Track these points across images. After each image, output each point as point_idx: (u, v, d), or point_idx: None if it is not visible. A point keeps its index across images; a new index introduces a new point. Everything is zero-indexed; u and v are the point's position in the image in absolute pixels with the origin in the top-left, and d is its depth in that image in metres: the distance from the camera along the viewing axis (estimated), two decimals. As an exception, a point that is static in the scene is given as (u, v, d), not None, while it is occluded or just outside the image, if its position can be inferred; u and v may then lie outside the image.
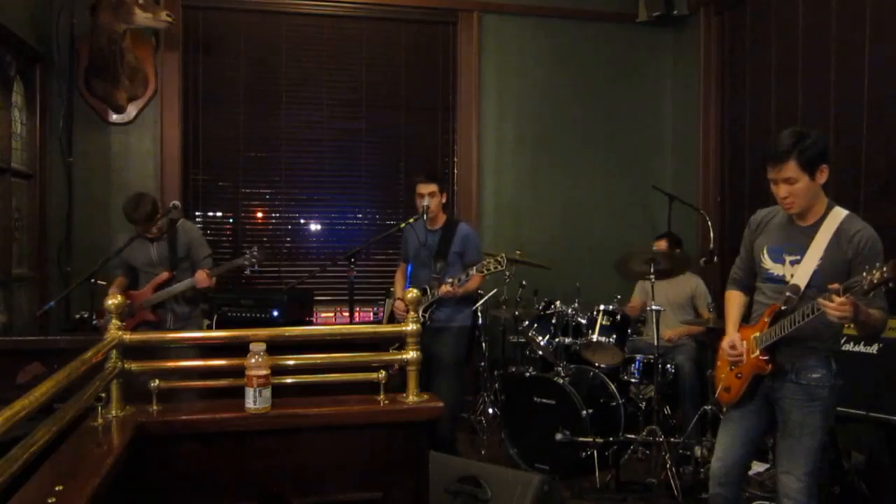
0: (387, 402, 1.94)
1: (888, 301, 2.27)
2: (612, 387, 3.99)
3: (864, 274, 2.04)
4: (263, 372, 1.81)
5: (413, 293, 2.02)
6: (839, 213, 2.34)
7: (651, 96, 5.62)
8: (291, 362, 1.93)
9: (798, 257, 2.36)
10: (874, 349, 3.02)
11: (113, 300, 1.82)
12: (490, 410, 4.62)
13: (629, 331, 4.26)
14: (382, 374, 1.94)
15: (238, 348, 1.86)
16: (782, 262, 2.41)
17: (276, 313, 3.82)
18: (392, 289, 4.31)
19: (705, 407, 3.74)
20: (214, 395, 1.96)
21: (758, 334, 2.41)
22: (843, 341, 2.99)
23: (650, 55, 5.60)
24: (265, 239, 5.19)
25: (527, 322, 4.35)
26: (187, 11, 4.95)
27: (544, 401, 3.89)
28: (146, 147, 4.89)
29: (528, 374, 4.16)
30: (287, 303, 3.86)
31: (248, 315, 3.87)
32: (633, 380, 4.05)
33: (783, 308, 2.34)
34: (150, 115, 4.88)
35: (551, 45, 5.45)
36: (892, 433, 3.03)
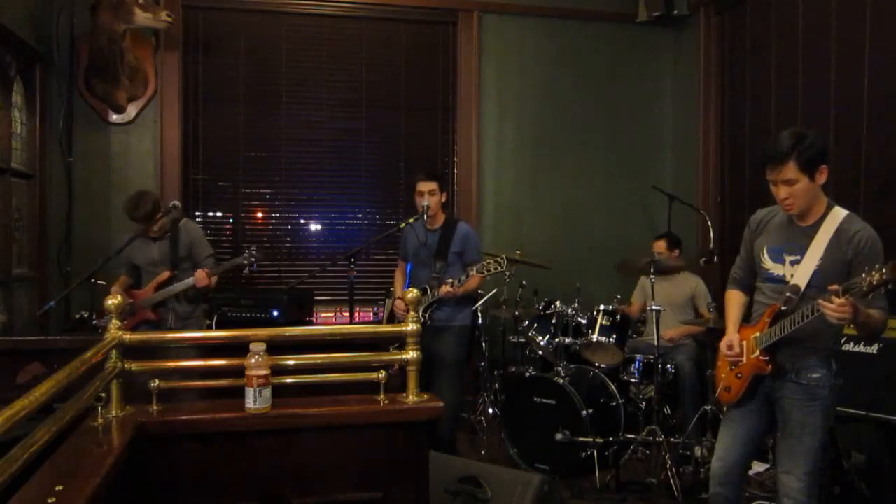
0: (387, 402, 1.94)
1: (888, 301, 2.27)
2: (612, 387, 3.99)
3: (864, 275, 2.04)
4: (263, 372, 1.81)
5: (413, 293, 2.02)
6: (839, 213, 2.34)
7: (651, 96, 5.62)
8: (291, 362, 1.93)
9: (798, 257, 2.36)
10: (874, 349, 3.02)
11: (113, 300, 1.82)
12: (490, 410, 4.62)
13: (629, 331, 4.26)
14: (382, 374, 1.94)
15: (238, 348, 1.86)
16: (782, 262, 2.41)
17: (276, 313, 3.82)
18: (392, 288, 4.31)
19: (705, 407, 3.74)
20: (214, 395, 1.96)
21: (758, 334, 2.41)
22: (843, 341, 2.99)
23: (650, 55, 5.60)
24: (265, 239, 5.19)
25: (527, 322, 4.35)
26: (187, 11, 4.95)
27: (544, 401, 3.89)
28: (146, 147, 4.89)
29: (528, 374, 4.17)
30: (287, 303, 3.86)
31: (248, 315, 3.87)
32: (633, 380, 4.06)
33: (783, 308, 2.34)
34: (150, 115, 4.88)
35: (551, 45, 5.45)
36: (892, 433, 3.03)
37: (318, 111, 5.24)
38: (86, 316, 3.93)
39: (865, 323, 2.18)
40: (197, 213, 5.04)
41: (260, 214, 5.25)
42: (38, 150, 4.48)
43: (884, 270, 1.99)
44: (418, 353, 1.97)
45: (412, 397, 1.96)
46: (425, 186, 3.78)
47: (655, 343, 3.82)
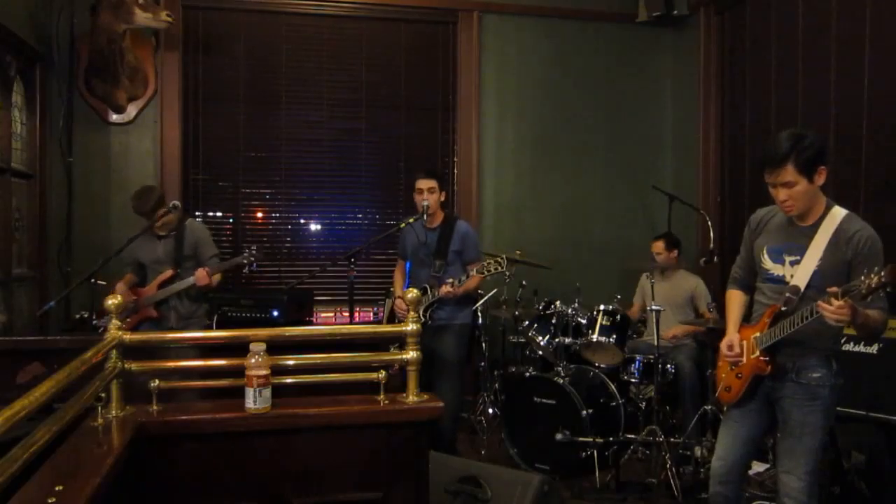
0: (387, 402, 1.94)
1: (889, 301, 2.27)
2: (612, 387, 3.99)
3: (863, 278, 2.04)
4: (263, 372, 1.81)
5: (413, 293, 2.02)
6: (838, 213, 2.34)
7: (651, 96, 5.62)
8: (291, 362, 1.93)
9: (798, 258, 2.36)
10: (874, 349, 3.02)
11: (113, 300, 1.82)
12: (490, 410, 4.62)
13: (629, 331, 4.26)
14: (382, 374, 1.94)
15: (238, 348, 1.87)
16: (782, 262, 2.41)
17: (276, 313, 3.81)
18: (392, 288, 4.31)
19: (705, 407, 3.74)
20: (214, 395, 1.96)
21: (758, 335, 2.41)
22: (843, 341, 2.99)
23: (650, 55, 5.60)
24: (265, 239, 5.19)
25: (527, 322, 4.36)
26: (187, 11, 4.95)
27: (544, 401, 3.89)
28: (146, 147, 4.89)
29: (528, 374, 4.16)
30: (287, 303, 3.85)
31: (248, 315, 3.87)
32: (633, 380, 4.05)
33: (783, 309, 2.34)
34: (150, 115, 4.88)
35: (551, 45, 5.45)
36: (892, 433, 3.03)
37: (318, 111, 5.24)
38: (86, 316, 3.94)
39: (865, 324, 2.18)
40: (197, 213, 5.04)
41: (260, 214, 5.25)
42: (38, 150, 4.48)
43: (882, 273, 1.99)
44: (418, 353, 1.97)
45: (412, 397, 1.96)
46: (425, 184, 3.79)
47: (655, 343, 3.82)
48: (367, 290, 5.12)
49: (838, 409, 2.52)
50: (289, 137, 5.19)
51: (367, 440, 1.91)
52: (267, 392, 1.83)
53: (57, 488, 1.29)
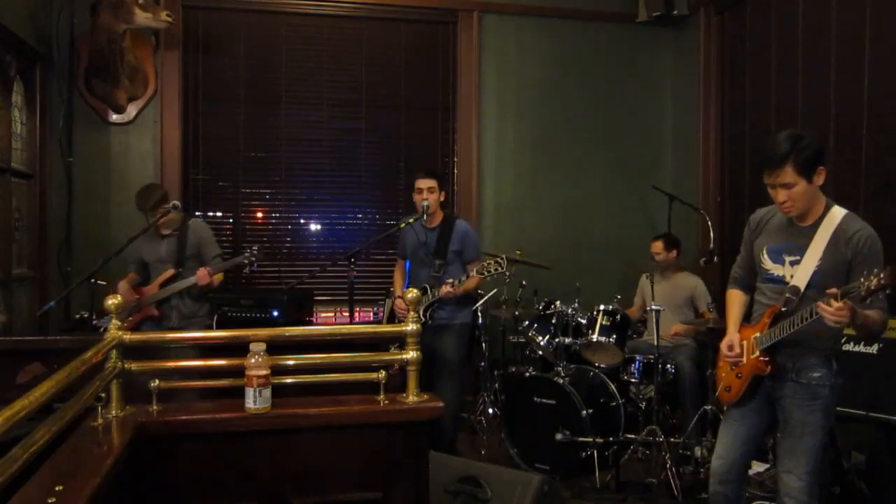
0: (387, 402, 1.94)
1: (888, 301, 2.27)
2: (612, 387, 3.99)
3: (862, 280, 2.04)
4: (263, 372, 1.81)
5: (413, 293, 2.02)
6: (837, 213, 2.34)
7: (651, 96, 5.62)
8: (291, 362, 1.94)
9: (798, 258, 2.36)
10: (874, 349, 3.02)
11: (113, 300, 1.82)
12: (490, 410, 4.62)
13: (629, 331, 4.26)
14: (382, 374, 1.94)
15: (238, 348, 1.87)
16: (782, 262, 2.41)
17: (276, 313, 3.81)
18: (391, 288, 4.32)
19: (705, 407, 3.74)
20: (214, 395, 1.96)
21: (758, 335, 2.41)
22: (843, 341, 2.99)
23: (650, 55, 5.60)
24: (265, 239, 5.19)
25: (527, 322, 4.35)
26: (187, 11, 4.95)
27: (544, 401, 3.89)
28: (146, 147, 4.89)
29: (528, 374, 4.16)
30: (287, 303, 3.85)
31: (248, 315, 3.87)
32: (633, 380, 4.05)
33: (783, 309, 2.34)
34: (150, 115, 4.88)
35: (551, 45, 5.45)
36: (892, 433, 3.03)
37: (318, 111, 5.24)
38: (86, 316, 3.94)
39: (864, 325, 2.18)
40: (197, 213, 5.04)
41: (260, 214, 5.25)
42: (38, 150, 4.48)
43: (882, 275, 1.99)
44: (418, 353, 1.97)
45: (412, 397, 1.96)
46: (424, 183, 3.79)
47: (655, 343, 3.82)
48: (367, 290, 5.12)
49: (838, 409, 2.52)
50: (289, 137, 5.19)
51: (367, 440, 1.91)
52: (267, 392, 1.83)
53: (57, 488, 1.29)
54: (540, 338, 4.25)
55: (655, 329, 3.84)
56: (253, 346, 1.81)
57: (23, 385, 2.19)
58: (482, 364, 4.74)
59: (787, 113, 4.36)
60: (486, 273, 3.59)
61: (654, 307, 3.86)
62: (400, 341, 2.03)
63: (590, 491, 3.62)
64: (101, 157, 4.82)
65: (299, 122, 5.21)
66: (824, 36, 4.04)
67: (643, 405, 4.02)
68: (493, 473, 2.87)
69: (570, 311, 4.15)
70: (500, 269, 3.55)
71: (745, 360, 2.45)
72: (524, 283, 4.72)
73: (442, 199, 3.86)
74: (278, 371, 1.89)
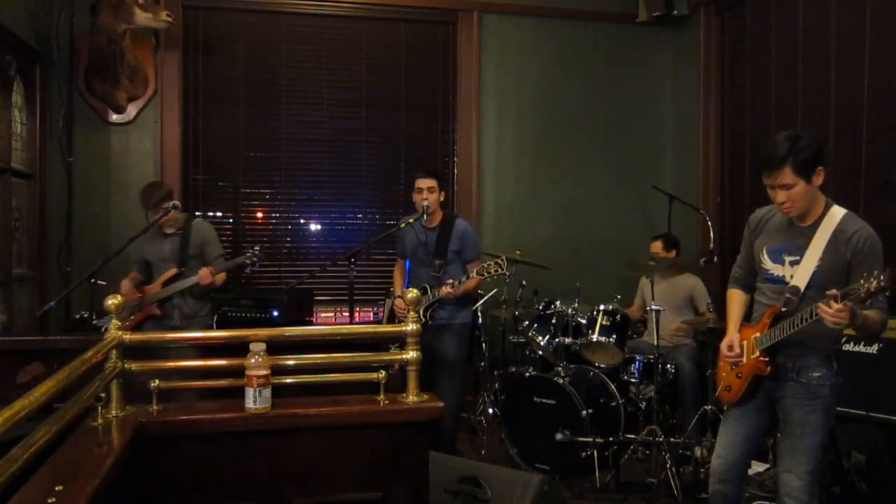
0: (387, 402, 1.94)
1: (888, 301, 2.27)
2: (612, 387, 3.99)
3: (862, 281, 2.04)
4: (263, 372, 1.81)
5: (413, 293, 2.02)
6: (837, 213, 2.34)
7: (651, 96, 5.62)
8: (291, 362, 1.93)
9: (797, 258, 2.36)
10: (874, 349, 3.02)
11: (113, 300, 1.82)
12: (490, 410, 4.62)
13: (629, 331, 4.26)
14: (382, 374, 1.94)
15: (238, 348, 1.87)
16: (782, 262, 2.41)
17: (276, 313, 3.81)
18: (391, 288, 4.32)
19: (705, 407, 3.74)
20: (214, 395, 1.96)
21: (758, 335, 2.41)
22: (843, 341, 2.99)
23: (650, 55, 5.60)
24: (265, 239, 5.19)
25: (527, 322, 4.35)
26: (187, 11, 4.95)
27: (544, 401, 3.89)
28: (146, 147, 4.89)
29: (528, 374, 4.16)
30: (287, 303, 3.86)
31: (248, 315, 3.87)
32: (633, 380, 4.05)
33: (783, 310, 2.35)
34: (150, 115, 4.88)
35: (551, 45, 5.45)
36: (892, 433, 3.03)
37: (318, 111, 5.24)
38: (86, 316, 3.94)
39: (864, 325, 2.19)
40: (197, 214, 5.03)
41: (260, 214, 5.25)
42: (38, 150, 4.48)
43: (882, 277, 1.99)
44: (418, 353, 1.97)
45: (412, 397, 1.96)
46: (424, 183, 3.79)
47: (655, 343, 3.82)
48: (367, 290, 5.12)
49: (838, 409, 2.52)
50: (289, 137, 5.19)
51: (367, 440, 1.91)
52: (267, 392, 1.83)
53: (57, 488, 1.29)
54: (540, 338, 4.25)
55: (655, 329, 3.84)
56: (253, 346, 1.81)
57: (23, 385, 2.19)
58: (482, 364, 4.74)
59: (787, 113, 4.36)
60: (486, 274, 3.59)
61: (654, 307, 3.86)
62: (400, 341, 2.03)
63: (590, 491, 3.62)
64: (101, 157, 4.82)
65: (299, 122, 5.21)
66: (824, 36, 4.04)
67: (643, 405, 4.02)
68: (493, 473, 2.87)
69: (570, 311, 4.15)
70: (500, 269, 3.55)
71: (745, 360, 2.45)
72: (524, 283, 4.72)
73: (442, 198, 3.86)
74: (278, 371, 1.89)
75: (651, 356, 3.90)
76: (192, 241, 3.93)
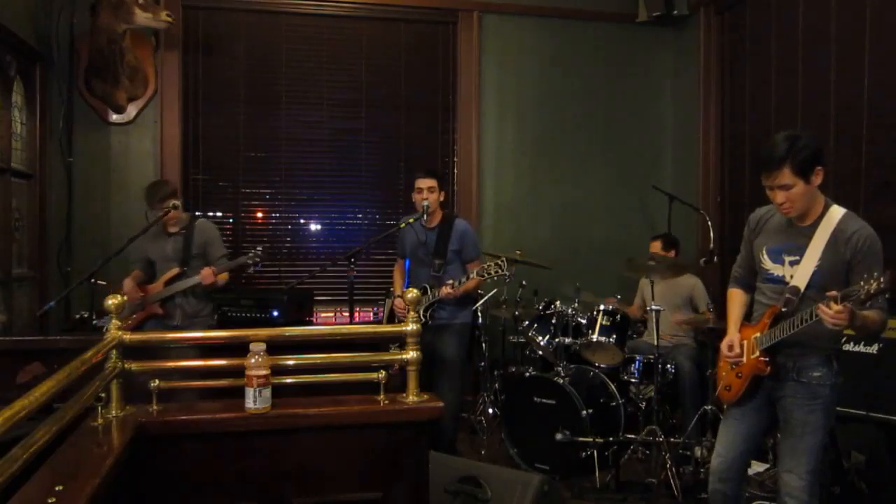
0: (387, 402, 1.94)
1: (888, 302, 2.27)
2: (612, 387, 3.99)
3: (862, 283, 2.04)
4: (263, 372, 1.81)
5: (413, 293, 2.02)
6: (836, 213, 2.34)
7: (651, 96, 5.62)
8: (291, 362, 1.93)
9: (797, 258, 2.36)
10: (874, 349, 3.03)
11: (113, 300, 1.82)
12: (490, 410, 4.62)
13: (629, 331, 4.26)
14: (382, 374, 1.94)
15: (238, 348, 1.87)
16: (781, 262, 2.42)
17: (276, 313, 3.81)
18: (391, 288, 4.32)
19: (705, 407, 3.74)
20: (214, 395, 1.96)
21: (758, 335, 2.41)
22: (843, 341, 2.99)
23: (650, 55, 5.60)
24: (265, 239, 5.18)
25: (527, 322, 4.35)
26: (187, 11, 4.94)
27: (544, 401, 3.89)
28: (146, 147, 4.89)
29: (528, 374, 4.16)
30: (287, 303, 3.85)
31: (248, 315, 3.87)
32: (633, 380, 4.05)
33: (783, 310, 2.35)
34: (150, 115, 4.88)
35: (551, 45, 5.45)
36: (892, 433, 3.03)
37: (318, 111, 5.24)
38: (86, 316, 3.94)
39: (864, 326, 2.19)
40: (197, 214, 5.02)
41: (260, 214, 5.25)
42: (38, 150, 4.48)
43: (882, 280, 2.00)
44: (418, 353, 1.97)
45: (412, 397, 1.96)
46: (424, 183, 3.79)
47: (655, 343, 3.82)
48: (367, 290, 5.12)
49: (838, 409, 2.52)
50: (289, 137, 5.19)
51: (367, 440, 1.91)
52: (267, 392, 1.83)
53: (57, 488, 1.29)
54: (540, 338, 4.25)
55: (655, 329, 3.84)
56: (253, 346, 1.81)
57: (23, 385, 2.19)
58: (482, 364, 4.74)
59: (787, 113, 4.36)
60: (486, 275, 3.58)
61: (654, 307, 3.86)
62: (400, 341, 2.03)
63: (590, 491, 3.62)
64: (101, 157, 4.82)
65: (299, 122, 5.21)
66: (824, 36, 4.04)
67: (643, 405, 4.02)
68: (493, 473, 2.87)
69: (570, 311, 4.15)
70: (500, 270, 3.54)
71: (745, 359, 2.45)
72: (524, 283, 4.73)
73: (442, 198, 3.86)
74: (278, 371, 1.89)
75: (651, 356, 3.90)
76: (195, 241, 3.93)
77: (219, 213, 5.14)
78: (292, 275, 5.06)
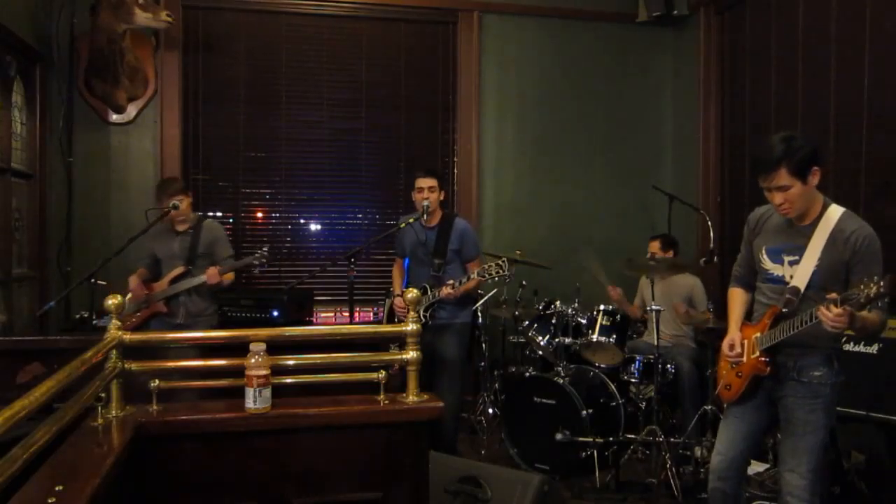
0: (387, 402, 1.94)
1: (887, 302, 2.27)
2: (612, 387, 3.99)
3: (862, 287, 2.04)
4: (263, 372, 1.81)
5: (413, 293, 2.02)
6: (835, 212, 2.34)
7: (651, 96, 5.62)
8: (291, 362, 1.93)
9: (797, 258, 2.36)
10: (874, 349, 3.03)
11: (113, 300, 1.82)
12: (490, 410, 4.62)
13: (629, 331, 4.26)
14: (382, 374, 1.94)
15: (238, 348, 1.86)
16: (781, 262, 2.42)
17: (276, 313, 3.82)
18: (391, 287, 4.32)
19: (705, 407, 3.74)
20: (214, 395, 1.96)
21: (759, 335, 2.41)
22: (843, 341, 2.99)
23: (650, 55, 5.60)
24: (265, 239, 5.18)
25: (527, 322, 4.36)
26: (187, 11, 4.94)
27: (544, 401, 3.89)
28: (146, 147, 4.89)
29: (528, 374, 4.17)
30: (287, 303, 3.86)
31: (248, 315, 3.88)
32: (633, 380, 4.05)
33: (784, 310, 2.35)
34: (150, 115, 4.88)
35: (551, 45, 5.45)
36: (892, 433, 3.03)
37: (318, 111, 5.24)
38: (86, 316, 3.94)
39: (863, 327, 2.20)
40: (197, 214, 5.03)
41: (260, 214, 5.25)
42: (38, 150, 4.48)
43: (882, 283, 2.00)
44: (418, 353, 1.97)
45: (412, 397, 1.96)
46: (424, 182, 3.79)
47: (655, 343, 3.82)
48: (367, 290, 5.12)
49: (838, 409, 2.52)
50: (289, 137, 5.19)
51: (367, 440, 1.91)
52: (267, 392, 1.83)
53: (57, 488, 1.29)
54: (540, 338, 4.25)
55: (655, 329, 3.84)
56: (253, 346, 1.81)
57: (23, 385, 2.19)
58: (482, 364, 4.74)
59: (787, 113, 4.36)
60: (487, 276, 3.58)
61: (654, 307, 3.86)
62: (400, 341, 2.02)
63: (590, 491, 3.62)
64: (101, 157, 4.82)
65: (299, 122, 5.21)
66: (824, 36, 4.04)
67: (643, 405, 4.02)
68: (493, 473, 2.87)
69: (570, 311, 4.15)
70: (501, 271, 3.54)
71: (745, 359, 2.45)
72: (524, 283, 4.72)
73: (442, 198, 3.86)
74: (278, 371, 1.89)
75: (651, 356, 3.90)
76: (202, 240, 3.94)
77: (219, 213, 5.13)
78: (292, 275, 5.06)
